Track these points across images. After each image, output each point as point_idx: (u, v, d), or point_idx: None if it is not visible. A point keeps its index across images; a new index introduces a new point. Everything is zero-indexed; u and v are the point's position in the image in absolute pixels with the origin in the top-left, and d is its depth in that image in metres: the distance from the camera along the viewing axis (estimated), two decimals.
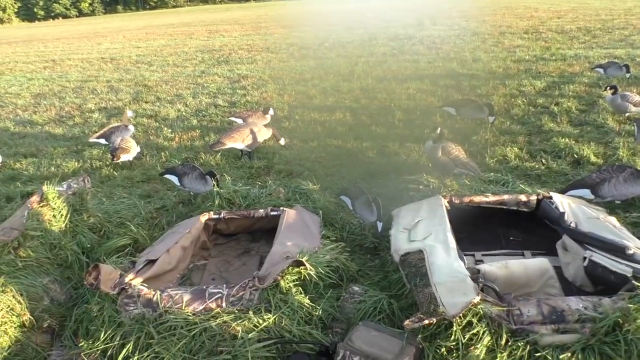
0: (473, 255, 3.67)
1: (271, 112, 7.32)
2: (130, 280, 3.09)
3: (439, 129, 5.21)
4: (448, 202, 3.89)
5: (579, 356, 2.35)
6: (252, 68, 13.86)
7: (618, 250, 2.95)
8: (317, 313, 2.92)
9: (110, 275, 3.06)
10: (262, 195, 4.58)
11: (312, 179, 5.24)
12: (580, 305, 2.53)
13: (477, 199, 3.95)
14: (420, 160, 5.61)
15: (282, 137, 6.48)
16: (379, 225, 3.87)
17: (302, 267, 2.96)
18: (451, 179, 4.55)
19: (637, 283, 2.49)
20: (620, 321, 2.39)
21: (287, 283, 2.95)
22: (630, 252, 2.89)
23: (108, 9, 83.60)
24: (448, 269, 2.83)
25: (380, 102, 8.82)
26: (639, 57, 11.30)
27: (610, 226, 3.38)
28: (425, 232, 3.43)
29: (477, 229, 3.92)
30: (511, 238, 3.87)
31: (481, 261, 3.56)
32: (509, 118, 7.22)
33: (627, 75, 8.52)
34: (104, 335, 2.87)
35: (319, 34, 21.14)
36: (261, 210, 4.17)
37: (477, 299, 2.51)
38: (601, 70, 8.84)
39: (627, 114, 6.49)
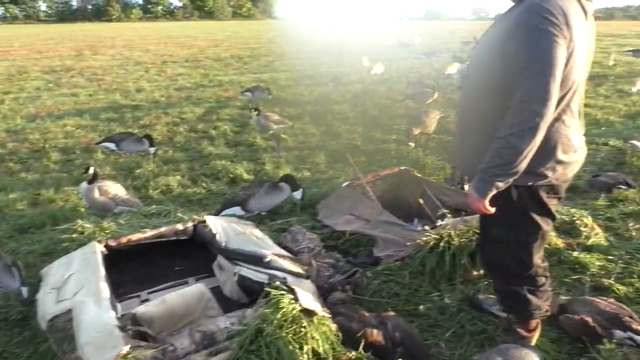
0: (139, 296, 3.56)
1: None
2: None
3: (92, 168, 4.91)
4: (105, 246, 3.67)
5: None
6: None
7: (259, 260, 3.29)
8: None
9: None
10: None
11: None
12: (228, 323, 2.70)
13: (136, 237, 3.84)
14: (80, 205, 5.18)
15: None
16: (24, 290, 3.39)
17: None
18: (109, 220, 4.33)
19: (268, 289, 2.79)
20: (261, 327, 2.65)
21: None
22: (267, 260, 3.25)
23: None
24: (97, 324, 2.64)
25: (33, 144, 7.83)
26: (280, 80, 13.20)
27: (255, 238, 3.75)
28: (76, 287, 3.13)
29: (142, 268, 3.83)
30: (176, 268, 3.91)
31: (147, 300, 3.47)
32: (172, 146, 7.38)
33: (270, 97, 9.81)
34: None
35: None
36: None
37: (126, 348, 2.40)
38: (249, 94, 9.95)
39: (270, 132, 7.43)
